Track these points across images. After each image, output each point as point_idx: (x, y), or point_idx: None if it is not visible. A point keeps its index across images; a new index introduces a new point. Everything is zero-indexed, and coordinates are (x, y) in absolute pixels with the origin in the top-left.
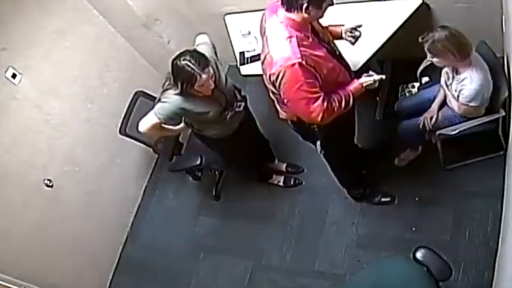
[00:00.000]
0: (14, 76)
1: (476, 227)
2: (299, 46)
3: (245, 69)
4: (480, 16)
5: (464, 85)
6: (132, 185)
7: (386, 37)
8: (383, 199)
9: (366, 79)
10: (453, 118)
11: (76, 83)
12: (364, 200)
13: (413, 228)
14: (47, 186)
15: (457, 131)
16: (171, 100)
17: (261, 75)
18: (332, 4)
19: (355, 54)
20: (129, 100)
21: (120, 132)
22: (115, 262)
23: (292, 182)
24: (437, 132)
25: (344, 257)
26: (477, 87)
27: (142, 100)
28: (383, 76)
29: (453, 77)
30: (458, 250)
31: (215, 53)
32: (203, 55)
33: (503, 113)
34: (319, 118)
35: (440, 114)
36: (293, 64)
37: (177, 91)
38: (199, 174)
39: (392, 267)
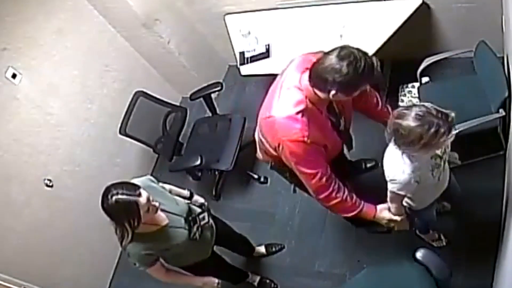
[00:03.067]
0: (14, 76)
1: (476, 227)
2: (308, 122)
3: (245, 69)
4: (480, 16)
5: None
6: None
7: (386, 37)
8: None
9: (384, 214)
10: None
11: (76, 83)
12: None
13: (413, 228)
14: (47, 186)
15: (457, 131)
16: (131, 251)
17: (261, 75)
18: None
19: None
20: (129, 100)
21: (120, 132)
22: (115, 262)
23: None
24: None
25: (344, 257)
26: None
27: (142, 100)
28: (402, 220)
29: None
30: (458, 251)
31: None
32: (124, 182)
33: (503, 113)
34: (315, 194)
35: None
36: (297, 141)
37: (129, 238)
38: (199, 174)
39: (392, 267)
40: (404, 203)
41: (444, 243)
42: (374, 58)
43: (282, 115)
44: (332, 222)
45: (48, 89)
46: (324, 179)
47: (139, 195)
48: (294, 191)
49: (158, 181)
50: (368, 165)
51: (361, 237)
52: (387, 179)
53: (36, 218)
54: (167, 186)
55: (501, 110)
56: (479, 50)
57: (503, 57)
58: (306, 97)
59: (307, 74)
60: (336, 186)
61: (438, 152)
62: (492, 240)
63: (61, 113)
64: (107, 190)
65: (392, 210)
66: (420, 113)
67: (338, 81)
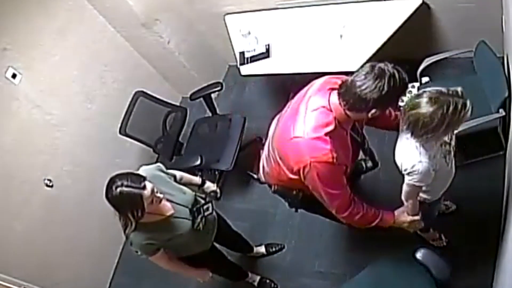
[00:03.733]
0: (14, 76)
1: (476, 227)
2: (335, 143)
3: (245, 69)
4: (480, 16)
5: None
6: None
7: (386, 37)
8: None
9: (403, 217)
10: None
11: (76, 83)
12: None
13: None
14: (47, 186)
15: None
16: (134, 240)
17: (261, 75)
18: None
19: (355, 54)
20: (129, 100)
21: (120, 132)
22: (115, 262)
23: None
24: None
25: (344, 257)
26: None
27: (142, 100)
28: (419, 220)
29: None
30: (458, 251)
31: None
32: (130, 173)
33: (503, 113)
34: (338, 213)
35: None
36: (326, 162)
37: (132, 228)
38: (199, 174)
39: (392, 267)
40: (418, 198)
41: (444, 243)
42: (398, 67)
43: (310, 136)
44: (332, 222)
45: (48, 89)
46: (346, 197)
47: (144, 187)
48: (296, 211)
49: (167, 168)
50: (368, 165)
51: (361, 237)
52: (404, 173)
53: (36, 218)
54: (178, 174)
55: (501, 110)
56: (479, 50)
57: (503, 57)
58: (335, 118)
59: (335, 94)
60: (355, 201)
61: (446, 138)
62: (492, 240)
63: (61, 113)
64: (112, 181)
65: (410, 207)
66: (433, 96)
67: (381, 100)
